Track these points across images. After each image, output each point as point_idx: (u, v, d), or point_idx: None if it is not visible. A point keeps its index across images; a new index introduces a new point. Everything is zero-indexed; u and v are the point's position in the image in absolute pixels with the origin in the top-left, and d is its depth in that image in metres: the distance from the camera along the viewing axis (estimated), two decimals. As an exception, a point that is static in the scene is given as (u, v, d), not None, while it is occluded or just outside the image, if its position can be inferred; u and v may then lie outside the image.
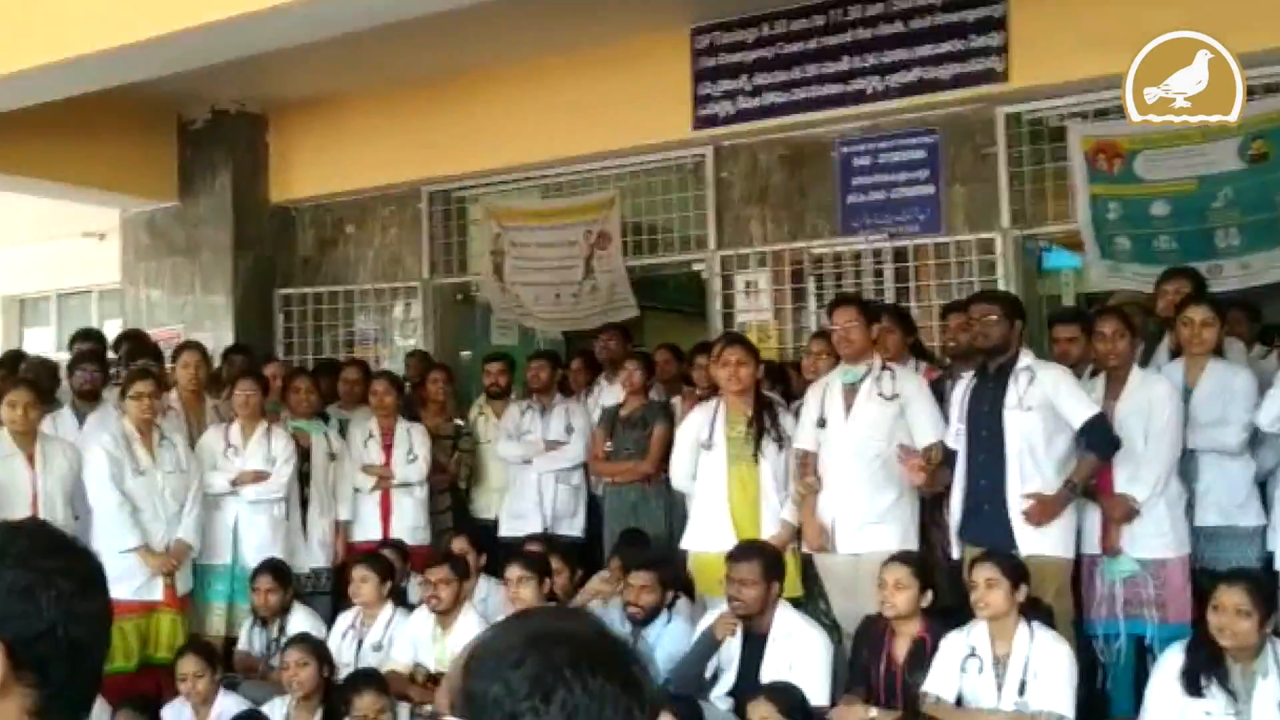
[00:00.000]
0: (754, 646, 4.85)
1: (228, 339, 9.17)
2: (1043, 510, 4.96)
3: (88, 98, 7.62)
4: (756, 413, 5.63)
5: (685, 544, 5.72)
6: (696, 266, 8.55)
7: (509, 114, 8.62)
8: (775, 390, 6.29)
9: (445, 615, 5.61)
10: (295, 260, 10.00)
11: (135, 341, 7.68)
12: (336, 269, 9.90)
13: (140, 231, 10.02)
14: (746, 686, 4.70)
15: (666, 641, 5.12)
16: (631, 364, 6.83)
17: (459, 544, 6.19)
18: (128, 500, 5.92)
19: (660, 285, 9.87)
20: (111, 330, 8.70)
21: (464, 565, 5.81)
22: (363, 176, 9.47)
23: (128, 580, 5.89)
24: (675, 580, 5.43)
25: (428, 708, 5.11)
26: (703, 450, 5.67)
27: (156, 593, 5.97)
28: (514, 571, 5.45)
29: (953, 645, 4.58)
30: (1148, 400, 5.12)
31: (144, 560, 5.91)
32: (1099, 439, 4.99)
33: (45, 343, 11.05)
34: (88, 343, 7.37)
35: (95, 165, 9.30)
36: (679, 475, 5.85)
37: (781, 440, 5.59)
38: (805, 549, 5.49)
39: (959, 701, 4.51)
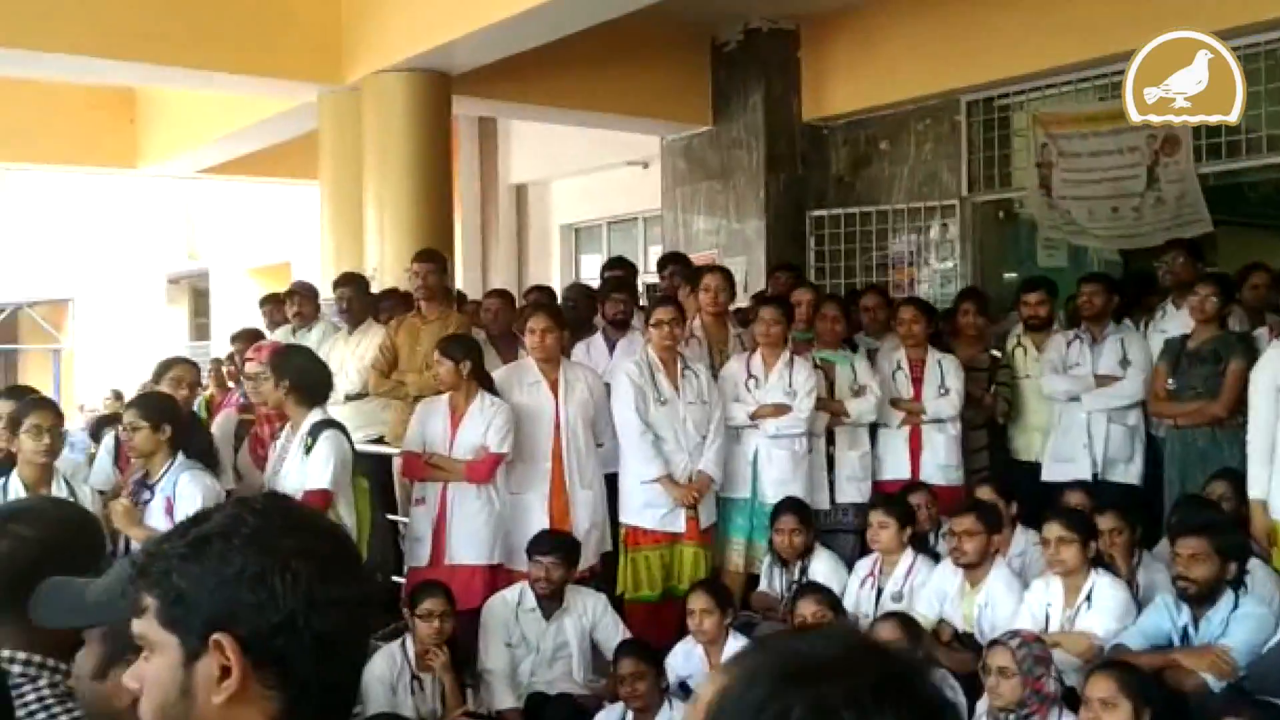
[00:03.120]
0: (1363, 645, 3.89)
1: (760, 262, 9.05)
2: None
3: (627, 26, 7.70)
4: None
5: (1277, 512, 4.74)
6: (1289, 171, 7.23)
7: (1057, 7, 7.72)
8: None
9: (973, 570, 5.06)
10: (827, 180, 9.68)
11: (676, 265, 7.63)
12: (869, 188, 9.46)
13: (678, 158, 10.13)
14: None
15: (1238, 628, 4.23)
16: (1205, 288, 5.84)
17: (985, 491, 5.57)
18: (650, 430, 5.86)
19: (1239, 195, 8.53)
20: (654, 256, 8.85)
21: (995, 515, 5.21)
22: (897, 88, 8.95)
23: (651, 510, 5.89)
24: (1239, 549, 4.47)
25: None
26: None
27: (679, 524, 5.88)
28: (1053, 530, 4.76)
29: None
30: None
31: (666, 490, 5.83)
32: None
33: (596, 269, 11.56)
34: (617, 270, 7.45)
35: (635, 93, 9.50)
36: (1260, 432, 4.84)
37: None
38: None
39: None
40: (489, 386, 5.79)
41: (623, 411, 5.89)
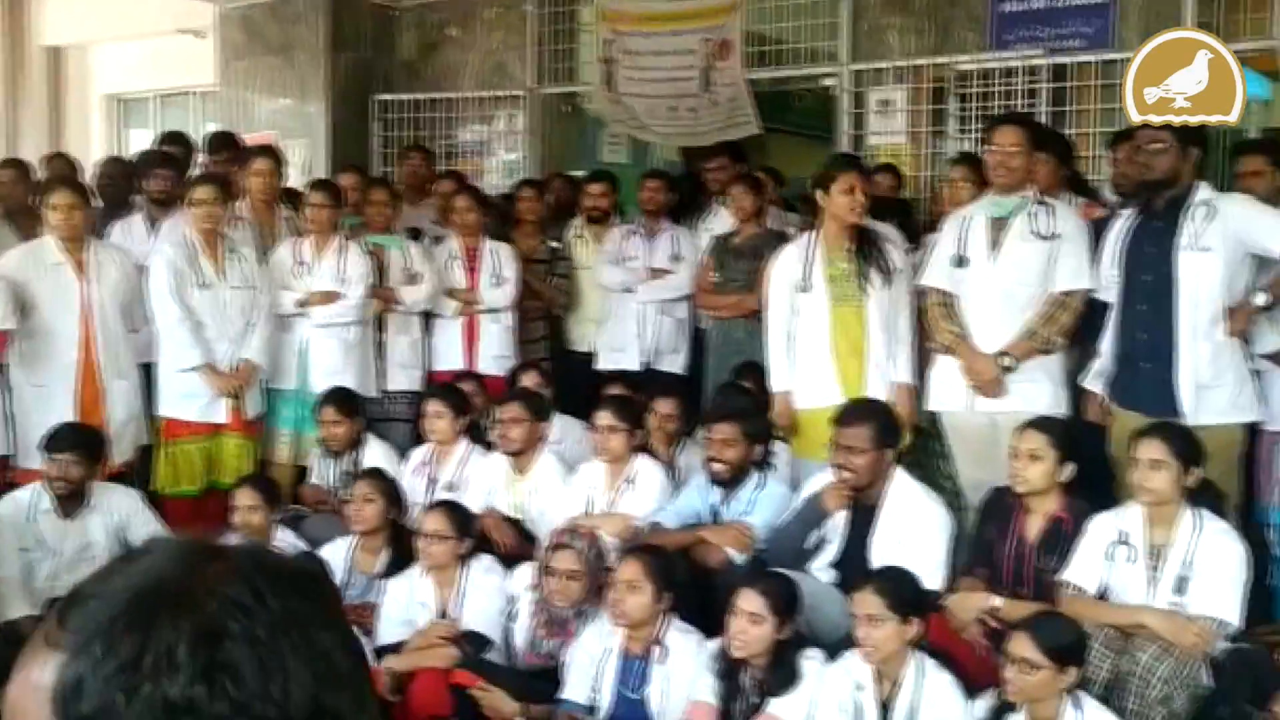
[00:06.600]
0: (862, 518, 4.23)
1: (322, 146, 8.66)
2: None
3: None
4: (859, 245, 4.94)
5: (801, 402, 5.05)
6: (825, 82, 7.70)
7: (624, -98, 7.77)
8: (891, 222, 5.60)
9: (520, 457, 5.11)
10: (395, 64, 9.35)
11: (224, 145, 7.14)
12: (438, 75, 9.22)
13: (235, 29, 9.44)
14: (852, 563, 4.12)
15: (761, 507, 4.51)
16: (737, 188, 6.13)
17: (529, 378, 5.64)
18: (190, 315, 5.48)
19: (784, 105, 9.01)
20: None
21: (540, 402, 5.27)
22: (467, -27, 8.73)
23: (191, 400, 5.56)
24: (764, 433, 4.76)
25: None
26: (799, 293, 4.98)
27: (221, 415, 5.57)
28: (603, 419, 4.88)
29: (1100, 530, 3.91)
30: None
31: (207, 380, 5.50)
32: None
33: (145, 144, 10.66)
34: (167, 146, 6.88)
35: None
36: (776, 327, 5.09)
37: (890, 275, 4.94)
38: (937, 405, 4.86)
39: (1102, 595, 3.86)
40: None
41: (159, 295, 5.48)
